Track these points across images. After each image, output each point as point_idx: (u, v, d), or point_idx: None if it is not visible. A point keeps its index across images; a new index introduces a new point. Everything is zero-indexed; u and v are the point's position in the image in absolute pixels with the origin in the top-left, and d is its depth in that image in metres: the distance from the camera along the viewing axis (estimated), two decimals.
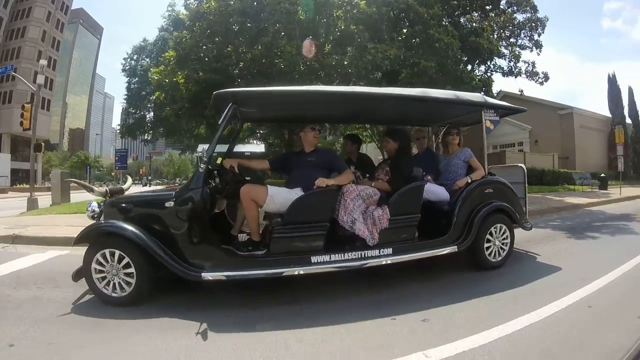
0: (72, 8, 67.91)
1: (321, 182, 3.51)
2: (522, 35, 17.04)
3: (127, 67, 31.00)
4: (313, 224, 3.56)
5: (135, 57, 30.98)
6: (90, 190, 4.11)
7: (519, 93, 18.32)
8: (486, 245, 4.21)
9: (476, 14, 14.80)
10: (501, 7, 15.80)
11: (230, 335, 2.66)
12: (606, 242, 5.97)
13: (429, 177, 4.39)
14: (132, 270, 3.31)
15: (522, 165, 5.59)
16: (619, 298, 3.29)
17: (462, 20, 14.44)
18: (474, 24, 14.15)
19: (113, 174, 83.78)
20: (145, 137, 35.41)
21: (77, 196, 15.49)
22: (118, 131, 38.03)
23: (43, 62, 15.77)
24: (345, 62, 12.05)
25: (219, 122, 3.67)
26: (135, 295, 3.34)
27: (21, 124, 14.35)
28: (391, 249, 3.71)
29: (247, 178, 4.35)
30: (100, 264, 3.34)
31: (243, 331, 2.74)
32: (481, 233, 4.14)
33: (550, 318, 2.81)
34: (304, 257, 3.52)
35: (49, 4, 56.67)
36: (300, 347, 2.44)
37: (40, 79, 15.06)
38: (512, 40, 16.92)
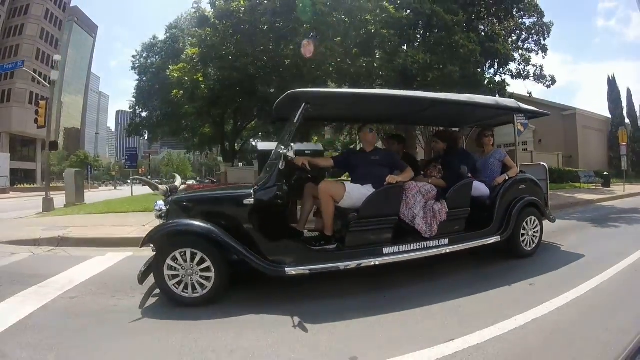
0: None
1: (392, 179, 3.81)
2: (530, 39, 17.76)
3: (137, 65, 31.06)
4: (384, 218, 3.84)
5: (144, 54, 31.08)
6: (155, 188, 4.23)
7: (528, 95, 18.97)
8: (521, 236, 4.74)
9: (491, 20, 15.40)
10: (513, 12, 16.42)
11: (326, 326, 2.78)
12: (625, 231, 6.83)
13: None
14: (209, 269, 3.30)
15: (545, 164, 6.08)
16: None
17: (480, 26, 15.03)
18: (489, 30, 14.77)
19: (114, 173, 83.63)
20: (151, 136, 35.60)
21: (92, 195, 15.74)
22: (125, 129, 37.59)
23: (57, 57, 15.63)
24: (375, 65, 12.47)
25: (294, 121, 3.73)
26: (212, 294, 3.33)
27: (36, 121, 14.18)
28: (447, 239, 4.11)
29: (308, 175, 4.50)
30: (173, 266, 3.29)
31: (335, 320, 2.87)
32: (518, 225, 4.65)
33: (579, 298, 3.24)
34: (377, 249, 3.77)
35: (47, 2, 56.56)
36: (383, 332, 2.69)
37: (55, 75, 15.05)
38: (519, 44, 17.61)
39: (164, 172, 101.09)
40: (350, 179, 4.33)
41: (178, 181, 4.46)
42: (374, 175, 3.93)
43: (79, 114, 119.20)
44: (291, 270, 3.40)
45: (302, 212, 4.19)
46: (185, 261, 3.28)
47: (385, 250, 3.77)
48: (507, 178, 4.84)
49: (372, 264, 3.67)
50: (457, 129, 6.19)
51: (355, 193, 3.81)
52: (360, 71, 12.90)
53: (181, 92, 18.57)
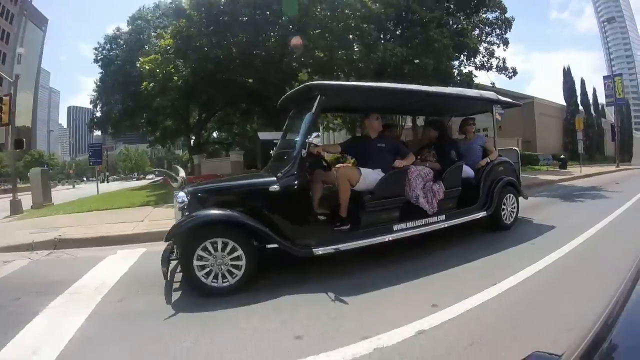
0: None
1: (399, 163, 4.27)
2: (493, 33, 18.90)
3: (100, 58, 30.14)
4: (393, 198, 4.27)
5: (107, 46, 30.34)
6: (175, 180, 4.32)
7: (491, 85, 20.19)
8: (502, 211, 5.42)
9: (459, 15, 16.30)
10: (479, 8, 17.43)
11: (358, 297, 3.06)
12: (589, 205, 7.99)
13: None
14: (239, 257, 3.38)
15: (517, 149, 6.87)
16: (612, 240, 4.71)
17: (450, 21, 15.87)
18: (459, 25, 15.66)
19: (71, 171, 79.66)
20: (112, 131, 34.31)
21: (53, 195, 14.78)
22: (86, 125, 36.12)
23: (21, 50, 14.97)
24: (355, 57, 12.96)
25: (312, 111, 3.97)
26: (243, 281, 3.40)
27: None
28: (444, 216, 4.65)
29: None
30: (203, 256, 3.31)
31: (360, 293, 3.15)
32: (499, 201, 5.33)
33: (553, 264, 3.76)
34: (388, 227, 4.15)
35: None
36: (407, 295, 3.15)
37: (18, 69, 14.61)
38: (483, 37, 18.70)
39: (122, 167, 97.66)
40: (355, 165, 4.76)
41: (182, 173, 4.56)
42: (382, 161, 4.34)
43: (29, 111, 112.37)
44: (319, 251, 3.64)
45: (314, 196, 4.29)
46: (216, 251, 3.33)
47: (395, 227, 4.20)
48: (489, 161, 5.49)
49: (387, 240, 4.07)
50: (448, 118, 6.79)
51: (369, 177, 4.18)
52: (339, 63, 13.33)
53: (152, 84, 18.26)
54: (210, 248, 3.31)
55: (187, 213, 3.50)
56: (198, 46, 14.85)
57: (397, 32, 14.11)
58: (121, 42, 29.48)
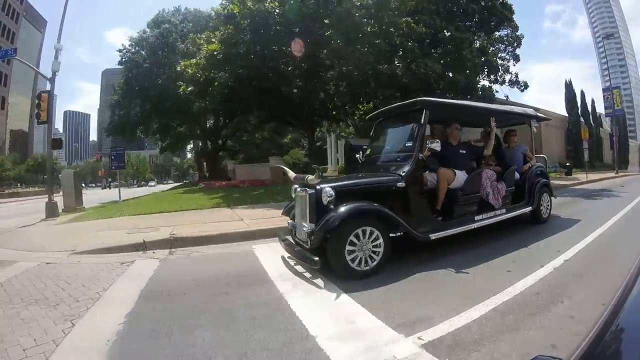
0: None
1: (487, 167, 5.65)
2: (507, 50, 20.83)
3: (125, 60, 30.75)
4: (474, 195, 5.26)
5: (133, 50, 30.97)
6: (302, 177, 4.74)
7: (505, 98, 22.04)
8: (540, 207, 6.50)
9: (480, 35, 18.18)
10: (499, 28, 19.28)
11: (470, 270, 3.95)
12: (606, 202, 9.65)
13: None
14: (379, 244, 3.99)
15: (544, 156, 7.92)
16: (624, 229, 5.96)
17: (476, 41, 17.69)
18: (482, 44, 17.53)
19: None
20: (131, 135, 35.16)
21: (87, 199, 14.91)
22: (104, 129, 36.80)
23: (59, 45, 14.46)
24: (399, 72, 14.71)
25: (422, 123, 4.84)
26: (380, 265, 3.99)
27: (37, 116, 13.18)
28: (504, 209, 5.70)
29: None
30: (354, 242, 3.87)
31: (468, 267, 4.02)
32: (539, 199, 6.40)
33: (591, 243, 4.92)
34: (471, 217, 5.11)
35: None
36: (488, 272, 3.92)
37: (56, 66, 13.99)
38: (500, 54, 20.59)
39: (124, 173, 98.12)
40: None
41: (291, 174, 5.36)
42: (464, 164, 5.44)
43: (26, 114, 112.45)
44: (433, 236, 4.47)
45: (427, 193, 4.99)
46: (363, 238, 3.92)
47: (476, 218, 5.19)
48: (530, 166, 6.65)
49: (473, 227, 5.08)
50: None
51: (459, 177, 5.16)
52: (384, 78, 14.89)
53: (189, 88, 19.04)
54: (360, 235, 3.91)
55: (332, 207, 4.02)
56: (244, 53, 15.80)
57: (432, 50, 15.82)
58: (146, 45, 29.98)
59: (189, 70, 17.86)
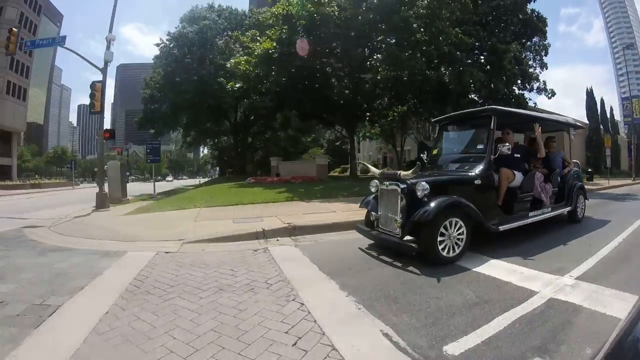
0: None
1: (536, 169, 6.28)
2: (536, 58, 22.01)
3: (162, 54, 31.58)
4: (529, 193, 5.95)
5: (171, 44, 31.53)
6: (394, 174, 5.22)
7: (533, 106, 23.18)
8: (577, 208, 7.22)
9: (515, 46, 19.40)
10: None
11: (536, 256, 4.64)
12: (632, 206, 10.69)
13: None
14: (462, 233, 4.55)
15: (577, 161, 8.53)
16: None
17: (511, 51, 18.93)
18: (516, 53, 18.76)
19: (96, 169, 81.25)
20: (158, 129, 35.86)
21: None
22: (135, 121, 37.68)
23: (111, 36, 14.37)
24: (446, 79, 15.96)
25: (491, 128, 5.45)
26: (463, 252, 4.53)
27: (92, 106, 13.22)
28: (550, 208, 6.38)
29: None
30: (443, 233, 4.40)
31: (534, 254, 4.67)
32: (576, 200, 7.16)
33: (626, 239, 5.58)
34: (526, 214, 5.81)
35: None
36: (570, 249, 4.95)
37: (109, 56, 14.06)
38: (529, 63, 21.78)
39: (141, 167, 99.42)
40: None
41: (374, 170, 6.05)
42: (519, 166, 6.03)
43: (41, 107, 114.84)
44: (502, 228, 5.11)
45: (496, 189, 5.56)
46: (450, 228, 4.48)
47: (530, 214, 5.88)
48: (569, 170, 7.33)
49: (528, 222, 5.79)
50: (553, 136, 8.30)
51: (518, 177, 5.86)
52: (432, 84, 16.02)
53: (238, 84, 19.94)
54: (448, 225, 4.47)
55: (425, 199, 4.56)
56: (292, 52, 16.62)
57: (477, 60, 17.08)
58: (187, 41, 30.35)
59: (241, 67, 18.46)
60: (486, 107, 6.48)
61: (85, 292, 3.75)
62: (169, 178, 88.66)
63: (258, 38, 19.00)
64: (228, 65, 21.03)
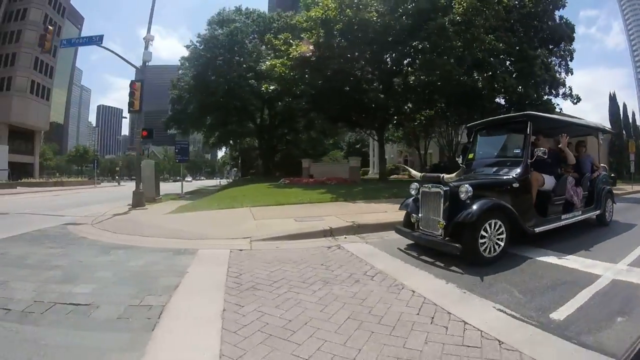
0: None
1: (567, 173, 6.52)
2: (562, 63, 22.42)
3: (193, 56, 32.10)
4: (562, 197, 6.17)
5: (201, 47, 32.04)
6: (436, 176, 5.35)
7: (559, 111, 23.50)
8: (606, 211, 7.32)
9: (543, 51, 19.84)
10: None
11: (584, 251, 5.13)
12: None
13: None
14: (502, 234, 4.72)
15: (605, 166, 8.72)
16: None
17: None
18: (544, 59, 19.22)
19: (117, 169, 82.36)
20: (185, 128, 37.41)
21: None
22: (163, 122, 38.37)
23: (150, 36, 14.57)
24: (480, 85, 16.62)
25: (528, 133, 5.71)
26: (502, 253, 4.70)
27: (131, 104, 13.42)
28: (580, 211, 6.58)
29: None
30: (483, 235, 4.54)
31: (570, 253, 5.02)
32: (605, 204, 7.28)
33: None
34: (559, 216, 5.99)
35: None
36: (593, 254, 5.01)
37: (147, 56, 14.31)
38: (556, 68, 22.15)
39: (161, 167, 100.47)
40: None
41: (414, 173, 6.15)
42: (552, 170, 6.31)
43: (62, 107, 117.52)
44: (537, 230, 5.33)
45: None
46: (490, 230, 4.64)
47: (562, 217, 6.08)
48: (599, 174, 7.50)
49: (562, 224, 6.01)
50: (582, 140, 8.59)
51: (547, 181, 6.05)
52: (465, 89, 16.60)
53: (272, 86, 20.65)
54: (488, 227, 4.63)
55: (468, 202, 4.77)
56: (335, 56, 17.44)
57: (506, 65, 17.63)
58: (218, 43, 30.75)
59: (277, 70, 18.92)
60: (523, 112, 6.57)
61: (183, 291, 3.75)
62: (188, 178, 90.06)
63: (291, 41, 19.49)
64: (263, 68, 21.70)
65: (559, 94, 21.70)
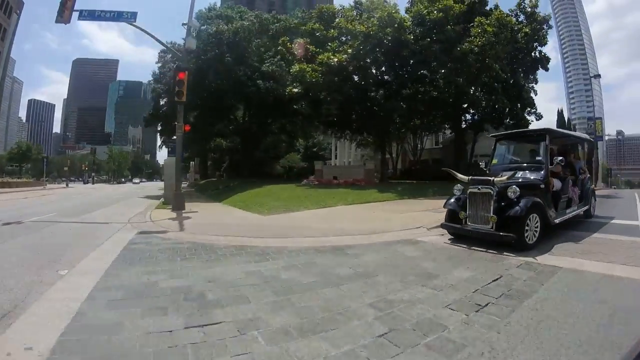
0: None
1: (566, 175, 7.90)
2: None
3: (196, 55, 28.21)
4: (566, 195, 7.66)
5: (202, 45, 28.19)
6: (486, 180, 6.37)
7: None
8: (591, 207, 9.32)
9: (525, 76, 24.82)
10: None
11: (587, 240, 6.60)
12: (617, 202, 15.23)
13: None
14: (538, 226, 5.95)
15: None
16: None
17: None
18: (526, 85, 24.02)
19: (66, 168, 77.23)
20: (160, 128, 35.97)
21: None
22: (144, 117, 37.20)
23: (193, 22, 14.01)
24: (482, 102, 20.77)
25: (547, 144, 6.99)
26: (538, 240, 5.96)
27: (179, 94, 12.58)
28: (577, 206, 8.23)
29: None
30: (526, 226, 5.73)
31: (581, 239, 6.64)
32: (590, 201, 9.12)
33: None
34: (564, 211, 7.45)
35: None
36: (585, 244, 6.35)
37: (191, 43, 13.98)
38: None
39: (105, 169, 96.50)
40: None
41: (460, 176, 7.27)
42: (559, 175, 7.62)
43: None
44: (557, 221, 6.75)
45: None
46: (531, 221, 5.85)
47: (567, 211, 7.62)
48: (585, 177, 9.10)
49: (566, 217, 7.44)
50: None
51: (556, 183, 7.32)
52: (467, 102, 20.72)
53: (296, 89, 22.43)
54: (529, 219, 5.81)
55: (515, 199, 5.91)
56: (367, 66, 20.56)
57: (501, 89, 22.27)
58: (224, 40, 29.04)
59: (308, 75, 20.83)
60: (543, 127, 8.54)
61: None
62: (136, 180, 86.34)
63: (317, 49, 22.07)
64: (291, 72, 22.90)
65: (531, 112, 26.10)
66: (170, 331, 2.97)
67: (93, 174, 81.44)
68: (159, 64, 34.26)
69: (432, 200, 12.96)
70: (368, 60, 20.88)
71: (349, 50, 20.24)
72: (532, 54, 23.19)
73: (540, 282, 4.20)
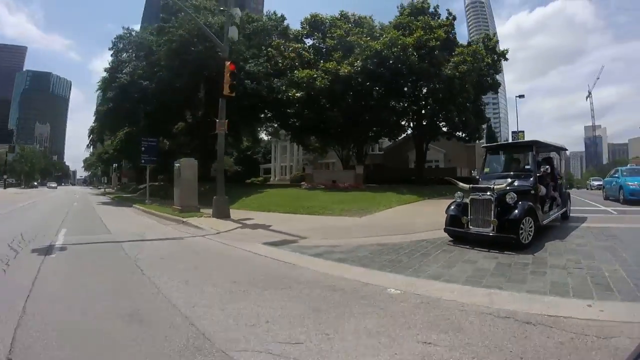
0: None
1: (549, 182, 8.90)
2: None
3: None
4: (549, 198, 8.57)
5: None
6: (488, 187, 6.97)
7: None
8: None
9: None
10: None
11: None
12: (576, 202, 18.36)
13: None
14: (532, 227, 6.59)
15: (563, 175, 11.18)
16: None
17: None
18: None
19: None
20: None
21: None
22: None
23: (236, 10, 13.15)
24: (455, 116, 25.36)
25: (534, 154, 8.15)
26: (532, 241, 6.61)
27: (233, 87, 11.90)
28: (557, 208, 9.11)
29: None
30: (521, 227, 6.39)
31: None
32: (567, 202, 10.30)
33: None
34: (548, 212, 8.29)
35: None
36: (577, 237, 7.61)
37: (234, 33, 13.05)
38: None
39: (17, 170, 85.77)
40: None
41: (462, 185, 8.08)
42: (543, 181, 8.50)
43: None
44: (544, 222, 7.67)
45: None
46: (525, 224, 6.51)
47: (550, 212, 8.52)
48: (564, 182, 10.92)
49: (552, 218, 8.57)
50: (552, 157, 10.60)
51: (542, 189, 8.08)
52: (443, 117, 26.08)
53: (299, 93, 24.85)
54: (524, 221, 6.50)
55: (512, 204, 6.67)
56: (368, 79, 23.82)
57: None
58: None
59: (318, 83, 23.64)
60: (530, 139, 9.16)
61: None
62: (52, 184, 79.03)
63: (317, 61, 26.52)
64: (297, 76, 24.76)
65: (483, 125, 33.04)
66: None
67: (5, 177, 72.85)
68: (111, 51, 31.06)
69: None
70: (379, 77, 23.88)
71: (357, 62, 23.49)
72: (488, 79, 28.83)
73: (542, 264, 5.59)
